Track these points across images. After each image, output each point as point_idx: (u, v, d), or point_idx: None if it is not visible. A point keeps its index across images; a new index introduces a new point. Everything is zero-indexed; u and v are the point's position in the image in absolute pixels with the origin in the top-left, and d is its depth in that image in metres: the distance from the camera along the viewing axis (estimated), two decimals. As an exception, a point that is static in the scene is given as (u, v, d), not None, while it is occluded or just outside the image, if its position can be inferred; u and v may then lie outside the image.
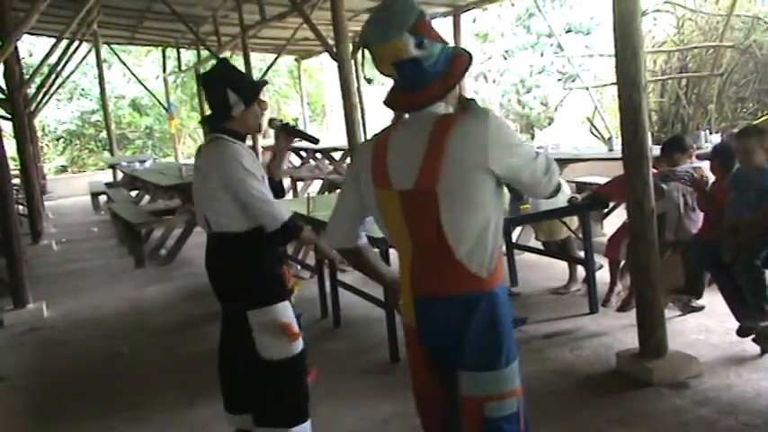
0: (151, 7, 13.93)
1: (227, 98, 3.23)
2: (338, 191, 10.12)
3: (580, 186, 7.28)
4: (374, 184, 2.20)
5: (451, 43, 2.14)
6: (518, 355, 2.27)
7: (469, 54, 2.20)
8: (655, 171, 4.58)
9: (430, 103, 2.12)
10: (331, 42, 8.48)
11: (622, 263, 5.56)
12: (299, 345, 3.34)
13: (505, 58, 22.75)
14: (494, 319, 2.16)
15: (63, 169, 24.10)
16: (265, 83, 3.60)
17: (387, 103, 2.22)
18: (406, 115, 2.23)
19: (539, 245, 6.58)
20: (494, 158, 2.04)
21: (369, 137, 2.37)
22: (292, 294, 3.48)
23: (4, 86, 10.43)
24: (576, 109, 16.72)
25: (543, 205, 5.54)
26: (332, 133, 23.30)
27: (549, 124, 21.29)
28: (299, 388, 3.39)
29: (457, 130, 2.05)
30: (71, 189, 18.78)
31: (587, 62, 18.17)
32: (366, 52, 2.15)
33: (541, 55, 22.15)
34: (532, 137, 20.73)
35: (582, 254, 5.97)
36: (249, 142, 2.31)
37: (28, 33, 16.04)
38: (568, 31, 21.83)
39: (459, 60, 2.16)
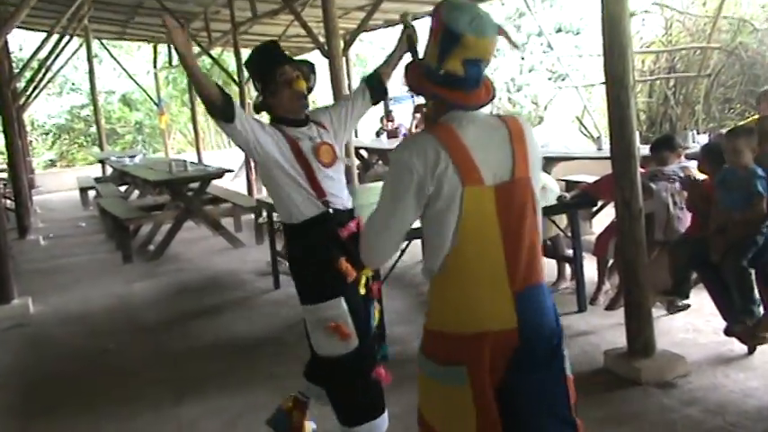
0: (142, 3, 13.86)
1: (257, 87, 3.27)
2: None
3: (569, 185, 7.31)
4: (462, 184, 2.07)
5: None
6: None
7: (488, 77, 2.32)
8: (643, 170, 4.59)
9: (486, 104, 2.19)
10: (322, 39, 8.48)
11: (610, 262, 5.58)
12: (352, 343, 3.19)
13: (495, 57, 22.79)
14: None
15: (52, 164, 24.00)
16: (285, 61, 3.27)
17: (463, 102, 2.14)
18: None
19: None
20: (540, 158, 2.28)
21: (413, 139, 2.24)
22: (360, 285, 3.26)
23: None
24: (566, 108, 16.77)
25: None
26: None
27: (540, 123, 21.36)
28: (356, 388, 3.27)
29: (527, 130, 2.21)
30: (60, 184, 18.68)
31: (576, 62, 18.22)
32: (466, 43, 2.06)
33: (531, 53, 22.22)
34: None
35: (570, 252, 6.01)
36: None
37: (18, 27, 15.97)
38: (558, 31, 21.90)
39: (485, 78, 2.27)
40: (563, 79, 21.46)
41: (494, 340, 2.12)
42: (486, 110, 2.21)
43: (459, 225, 2.10)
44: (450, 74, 2.10)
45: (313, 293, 3.19)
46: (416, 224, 2.17)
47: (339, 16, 9.36)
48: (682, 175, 4.89)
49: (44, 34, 13.48)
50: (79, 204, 15.35)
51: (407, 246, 5.41)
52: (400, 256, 5.30)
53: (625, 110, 4.12)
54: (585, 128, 11.70)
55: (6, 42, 12.61)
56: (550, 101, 15.14)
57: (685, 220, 5.11)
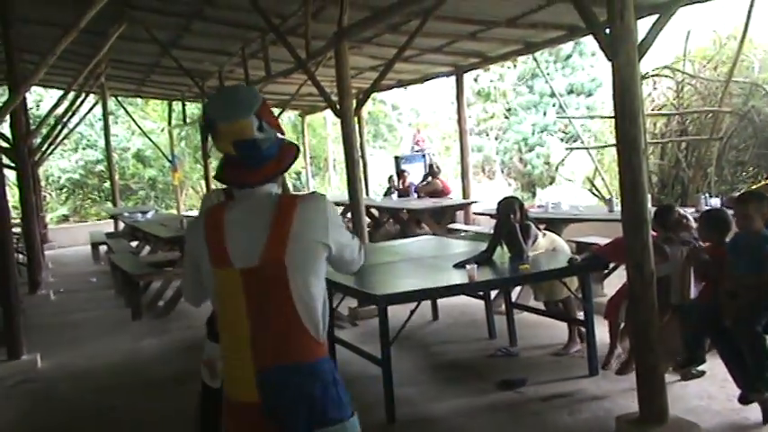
0: (159, 62, 14.14)
1: None
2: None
3: (581, 246, 7.28)
4: (212, 265, 2.30)
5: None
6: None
7: (297, 147, 2.44)
8: (654, 234, 4.57)
9: (266, 182, 2.32)
10: (334, 99, 8.59)
11: (622, 325, 5.52)
12: (216, 383, 3.50)
13: (507, 117, 23.00)
14: (334, 378, 2.32)
15: (65, 218, 24.12)
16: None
17: (220, 178, 2.35)
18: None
19: (539, 305, 6.53)
20: (332, 235, 2.31)
21: (196, 217, 2.53)
22: None
23: (9, 136, 10.54)
24: (578, 169, 16.84)
25: (543, 265, 5.55)
26: (333, 187, 23.44)
27: (551, 183, 21.41)
28: (207, 419, 3.69)
29: (302, 208, 2.27)
30: (72, 238, 18.76)
31: (588, 122, 18.36)
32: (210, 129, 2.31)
33: (544, 114, 22.41)
34: (533, 195, 20.84)
35: (581, 315, 5.95)
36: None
37: (36, 85, 16.27)
38: (570, 92, 22.14)
39: (289, 149, 2.39)
40: (575, 140, 21.64)
41: (241, 411, 2.31)
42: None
43: (216, 300, 2.37)
44: (226, 154, 2.32)
45: (210, 333, 3.59)
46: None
47: (352, 76, 9.51)
48: (697, 237, 4.87)
49: (61, 91, 13.71)
50: (91, 259, 15.39)
51: (417, 307, 5.37)
52: (408, 319, 5.26)
53: (637, 173, 4.13)
54: (597, 189, 11.70)
55: (24, 99, 12.84)
56: (561, 161, 15.19)
57: (697, 284, 5.05)
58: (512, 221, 5.58)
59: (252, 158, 2.28)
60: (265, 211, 2.27)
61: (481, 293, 6.70)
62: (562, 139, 22.21)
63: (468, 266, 5.10)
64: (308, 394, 2.26)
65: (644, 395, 4.26)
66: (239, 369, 2.29)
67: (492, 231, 6.09)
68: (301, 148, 20.93)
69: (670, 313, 4.89)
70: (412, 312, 5.28)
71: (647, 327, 4.21)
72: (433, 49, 11.15)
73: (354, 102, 8.60)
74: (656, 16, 4.35)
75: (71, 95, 13.63)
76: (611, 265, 6.82)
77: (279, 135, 2.34)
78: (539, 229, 6.03)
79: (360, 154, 8.71)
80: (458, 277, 5.26)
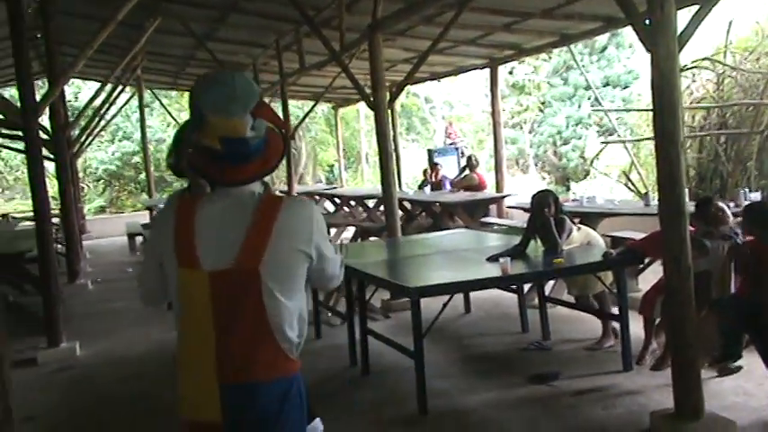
0: (194, 54, 14.27)
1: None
2: (371, 238, 10.09)
3: (616, 241, 7.20)
4: (177, 264, 2.07)
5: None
6: None
7: (285, 138, 2.18)
8: (692, 229, 4.51)
9: (251, 181, 2.09)
10: (368, 91, 8.60)
11: (657, 320, 5.46)
12: None
13: (542, 110, 22.81)
14: (300, 397, 2.15)
15: (102, 209, 24.50)
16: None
17: (201, 172, 2.08)
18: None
19: (572, 299, 6.49)
20: (315, 245, 2.12)
21: (164, 208, 2.20)
22: None
23: (48, 128, 10.72)
24: (613, 163, 16.65)
25: (578, 259, 5.50)
26: (366, 180, 23.48)
27: (585, 177, 21.21)
28: None
29: (285, 212, 2.06)
30: (109, 229, 19.02)
31: (624, 115, 18.13)
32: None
33: (579, 107, 22.19)
34: (567, 189, 20.67)
35: (615, 309, 5.90)
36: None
37: (74, 77, 16.52)
38: (606, 85, 21.89)
39: (275, 145, 2.12)
40: (611, 134, 21.40)
41: (202, 430, 2.10)
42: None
43: (178, 303, 2.10)
44: (207, 148, 2.04)
45: None
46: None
47: (386, 69, 9.50)
48: (739, 233, 4.79)
49: (98, 84, 13.90)
50: (127, 250, 15.60)
51: (450, 299, 5.36)
52: (441, 311, 5.25)
53: (675, 167, 4.08)
54: (632, 183, 11.57)
55: (63, 91, 13.04)
56: (597, 155, 15.04)
57: (736, 279, 4.99)
58: (546, 215, 5.54)
59: (239, 155, 2.05)
60: (245, 212, 2.05)
61: (514, 287, 6.67)
62: (597, 132, 21.98)
63: (501, 260, 5.08)
64: (275, 416, 2.08)
65: (680, 391, 4.21)
66: (200, 384, 2.08)
67: (525, 225, 6.05)
68: (335, 141, 20.90)
69: (707, 309, 4.83)
70: (445, 305, 5.28)
71: (684, 321, 4.16)
72: (467, 42, 11.10)
73: (388, 94, 8.60)
74: (697, 7, 4.27)
75: (108, 88, 13.82)
76: (646, 261, 6.75)
77: (268, 126, 2.11)
78: (573, 222, 5.98)
79: (393, 147, 8.68)
80: (491, 270, 5.25)
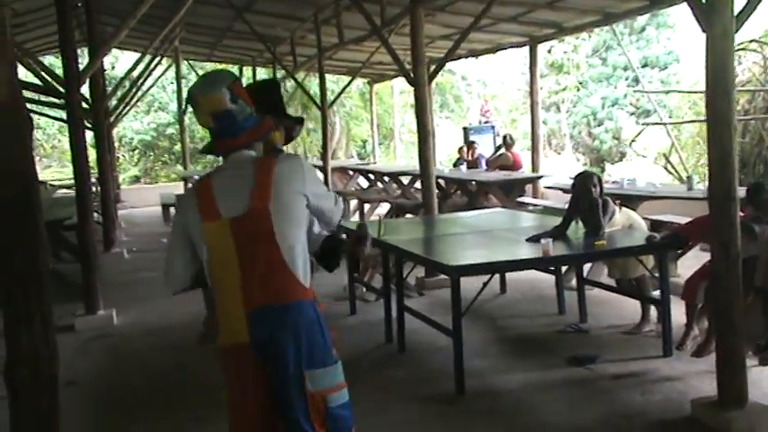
0: (232, 26, 14.25)
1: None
2: (407, 215, 10.05)
3: (656, 224, 7.10)
4: (202, 219, 2.57)
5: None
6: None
7: (273, 122, 2.76)
8: (741, 214, 4.41)
9: (245, 147, 2.65)
10: (407, 67, 8.52)
11: (699, 306, 5.38)
12: None
13: (578, 90, 22.53)
14: (320, 323, 2.58)
15: (136, 179, 24.73)
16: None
17: (207, 150, 2.73)
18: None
19: (610, 281, 6.41)
20: (309, 186, 2.62)
21: (188, 190, 2.87)
22: None
23: (88, 97, 10.79)
24: (651, 145, 16.41)
25: (619, 242, 5.43)
26: (399, 157, 23.38)
27: (620, 159, 20.95)
28: None
29: (281, 165, 2.59)
30: (143, 199, 19.21)
31: (663, 97, 17.82)
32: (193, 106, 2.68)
33: (615, 87, 21.88)
34: (602, 170, 20.43)
35: (655, 293, 5.82)
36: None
37: (114, 47, 16.58)
38: (644, 65, 21.55)
39: (265, 122, 2.71)
40: (647, 115, 21.08)
41: (236, 352, 2.55)
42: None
43: (207, 252, 2.58)
44: (208, 127, 2.66)
45: None
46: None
47: (425, 45, 9.40)
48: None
49: (135, 54, 13.96)
50: (161, 220, 15.73)
51: (489, 279, 5.32)
52: (481, 291, 5.22)
53: (726, 150, 3.99)
54: (672, 166, 11.38)
55: (101, 61, 13.10)
56: (635, 137, 14.81)
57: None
58: (593, 196, 5.45)
59: (230, 128, 2.61)
60: (248, 170, 2.57)
61: (552, 268, 6.60)
62: (633, 114, 21.67)
63: (543, 241, 5.02)
64: (295, 333, 2.50)
65: (723, 378, 4.14)
66: (231, 312, 2.54)
67: (566, 206, 5.98)
68: (369, 116, 20.80)
69: (753, 295, 4.74)
70: (485, 284, 5.24)
71: (730, 308, 4.08)
72: (507, 19, 10.91)
73: (427, 70, 8.50)
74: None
75: (146, 59, 13.88)
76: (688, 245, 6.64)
77: (254, 112, 2.66)
78: (615, 204, 5.89)
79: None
80: (531, 251, 5.20)
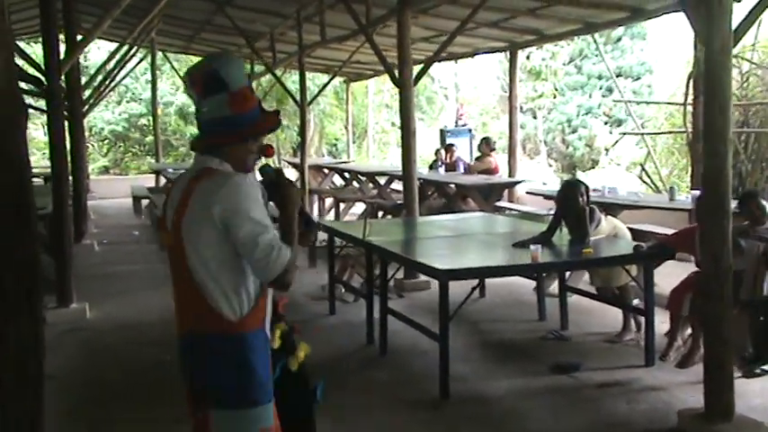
0: (211, 19, 14.08)
1: None
2: (388, 217, 9.99)
3: (636, 233, 7.15)
4: (159, 228, 2.51)
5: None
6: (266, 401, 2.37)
7: (241, 131, 2.36)
8: None
9: (202, 152, 2.38)
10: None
11: (684, 316, 5.41)
12: None
13: (555, 96, 22.73)
14: (242, 359, 2.30)
15: (105, 170, 24.35)
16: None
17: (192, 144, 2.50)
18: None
19: (591, 288, 6.44)
20: (220, 214, 2.23)
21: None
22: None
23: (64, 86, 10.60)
24: (623, 154, 16.57)
25: (604, 250, 5.46)
26: (371, 157, 23.36)
27: (593, 167, 21.15)
28: None
29: (207, 180, 2.28)
30: (112, 190, 18.91)
31: (638, 108, 18.01)
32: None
33: (590, 96, 22.09)
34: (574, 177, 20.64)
35: (636, 302, 5.88)
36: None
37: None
38: (618, 75, 21.77)
39: (230, 134, 2.34)
40: (620, 125, 21.32)
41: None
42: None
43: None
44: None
45: None
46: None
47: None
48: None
49: (106, 43, 13.73)
50: (131, 212, 15.53)
51: (479, 284, 5.31)
52: (469, 295, 5.20)
53: (722, 163, 4.03)
54: (648, 176, 11.50)
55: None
56: (613, 145, 14.97)
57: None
58: (580, 204, 5.47)
59: (199, 126, 2.40)
60: (185, 180, 2.36)
61: (534, 274, 6.62)
62: (606, 123, 21.90)
63: (532, 247, 5.02)
64: (205, 370, 2.33)
65: (711, 390, 4.17)
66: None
67: (546, 212, 6.00)
68: (343, 115, 20.71)
69: (738, 309, 4.79)
70: (474, 289, 5.24)
71: (720, 321, 4.11)
72: (489, 24, 10.93)
73: (413, 70, 8.47)
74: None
75: (116, 48, 13.68)
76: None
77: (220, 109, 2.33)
78: (601, 213, 5.92)
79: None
80: (518, 257, 5.20)
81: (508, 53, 12.96)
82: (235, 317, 2.29)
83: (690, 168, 9.86)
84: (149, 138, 22.36)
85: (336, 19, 11.30)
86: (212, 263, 2.27)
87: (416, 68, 8.57)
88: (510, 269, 5.21)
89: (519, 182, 11.36)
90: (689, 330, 5.42)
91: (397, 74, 8.18)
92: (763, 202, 5.04)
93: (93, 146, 24.34)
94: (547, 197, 8.63)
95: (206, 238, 2.26)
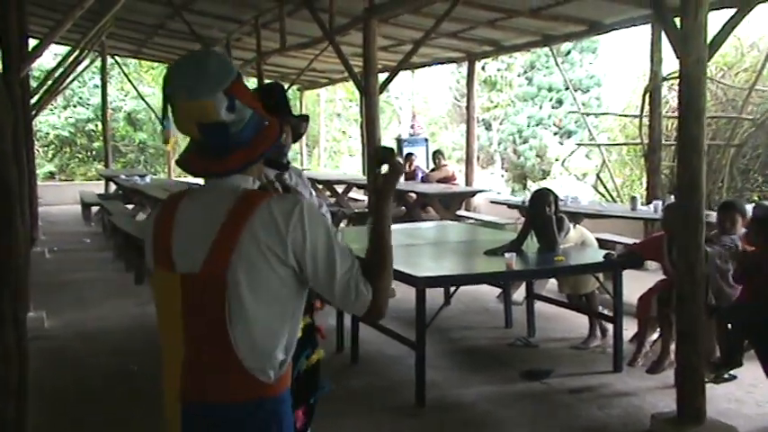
0: (164, 24, 13.90)
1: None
2: (351, 227, 9.96)
3: (602, 244, 7.28)
4: (154, 263, 1.88)
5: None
6: None
7: (280, 129, 1.92)
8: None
9: (232, 173, 1.85)
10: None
11: (652, 317, 5.51)
12: None
13: (509, 106, 23.06)
14: (273, 428, 1.86)
15: (51, 176, 23.79)
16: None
17: (181, 164, 1.90)
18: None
19: (556, 296, 6.53)
20: (293, 244, 1.77)
21: (158, 206, 2.04)
22: None
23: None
24: (575, 164, 16.83)
25: (574, 258, 5.54)
26: (322, 165, 23.34)
27: (543, 177, 21.46)
28: None
29: (264, 207, 1.77)
30: (59, 197, 18.49)
31: (594, 119, 18.35)
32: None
33: (540, 108, 22.45)
34: (524, 187, 20.91)
35: (601, 309, 5.99)
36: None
37: (35, 38, 15.90)
38: (567, 88, 22.16)
39: (268, 132, 1.88)
40: (569, 136, 21.70)
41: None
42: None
43: (157, 309, 1.92)
44: (190, 136, 1.86)
45: None
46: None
47: (361, 54, 9.39)
48: (738, 244, 4.88)
49: (56, 46, 13.41)
50: (80, 219, 15.20)
51: (455, 291, 5.33)
52: (445, 304, 5.23)
53: (696, 174, 4.12)
54: (604, 185, 11.73)
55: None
56: (569, 155, 15.23)
57: (737, 287, 5.07)
58: (548, 213, 5.55)
59: (216, 145, 1.81)
60: (222, 209, 1.79)
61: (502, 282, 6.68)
62: (556, 134, 22.26)
63: (507, 255, 5.06)
64: None
65: (684, 395, 4.26)
66: (168, 399, 1.89)
67: (508, 221, 6.07)
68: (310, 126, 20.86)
69: (706, 315, 4.90)
70: (450, 296, 5.25)
71: (694, 327, 4.21)
72: (448, 34, 11.04)
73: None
74: (731, 12, 4.30)
75: (68, 51, 13.39)
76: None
77: (258, 115, 1.87)
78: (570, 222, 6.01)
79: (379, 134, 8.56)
80: (491, 264, 5.24)
81: (465, 63, 13.11)
82: (272, 378, 1.83)
83: (645, 179, 10.07)
84: (97, 143, 21.96)
85: (296, 26, 11.29)
86: (272, 314, 1.80)
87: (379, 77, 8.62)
88: (486, 277, 5.25)
89: (479, 191, 11.49)
90: (655, 335, 5.54)
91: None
92: (738, 216, 5.15)
93: (38, 151, 23.73)
94: (511, 206, 8.75)
95: (272, 277, 1.77)
